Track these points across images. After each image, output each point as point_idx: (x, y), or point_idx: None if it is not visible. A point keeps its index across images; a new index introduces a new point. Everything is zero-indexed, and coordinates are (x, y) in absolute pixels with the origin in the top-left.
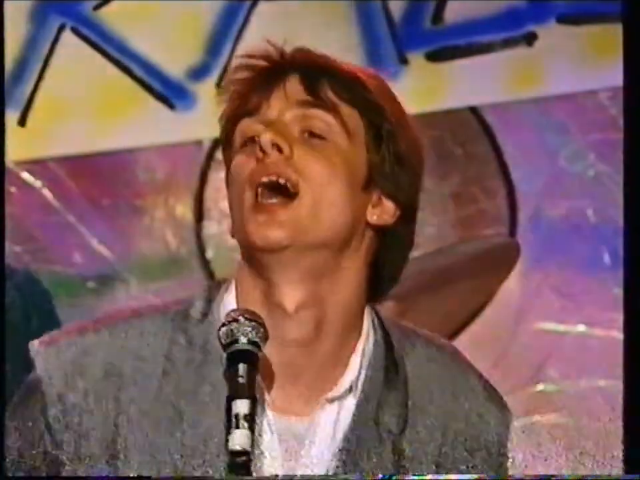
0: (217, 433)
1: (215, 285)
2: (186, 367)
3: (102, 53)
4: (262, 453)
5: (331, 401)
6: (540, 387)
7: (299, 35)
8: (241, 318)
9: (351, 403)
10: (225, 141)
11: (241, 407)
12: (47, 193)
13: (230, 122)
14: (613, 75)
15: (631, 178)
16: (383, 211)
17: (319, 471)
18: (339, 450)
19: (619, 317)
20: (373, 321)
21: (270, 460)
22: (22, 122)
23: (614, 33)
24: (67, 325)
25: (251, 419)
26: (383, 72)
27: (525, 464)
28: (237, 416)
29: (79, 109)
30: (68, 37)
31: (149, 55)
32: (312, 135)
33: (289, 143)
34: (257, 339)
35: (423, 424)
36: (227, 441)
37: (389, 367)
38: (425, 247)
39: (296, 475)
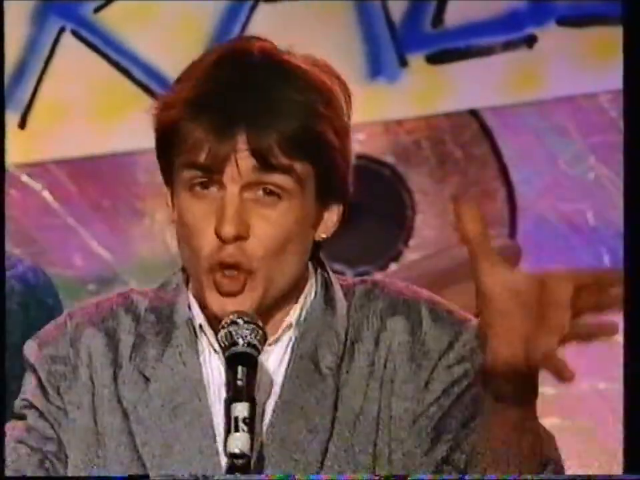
0: (183, 389)
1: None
2: (154, 338)
3: (102, 55)
4: (218, 399)
5: (269, 344)
6: (540, 389)
7: (299, 35)
8: (239, 321)
9: (291, 344)
10: (165, 143)
11: (240, 410)
12: (47, 195)
13: (177, 146)
14: (613, 77)
15: (631, 180)
16: (331, 222)
17: (267, 411)
18: (281, 387)
19: (619, 320)
20: (315, 271)
21: (218, 405)
22: (22, 124)
23: (614, 35)
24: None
25: (250, 422)
26: (383, 74)
27: None
28: (236, 419)
29: (79, 111)
30: (68, 39)
31: (149, 57)
32: (267, 193)
33: (247, 228)
34: (255, 342)
35: (364, 354)
36: (226, 443)
37: (327, 310)
38: (424, 250)
39: (296, 475)
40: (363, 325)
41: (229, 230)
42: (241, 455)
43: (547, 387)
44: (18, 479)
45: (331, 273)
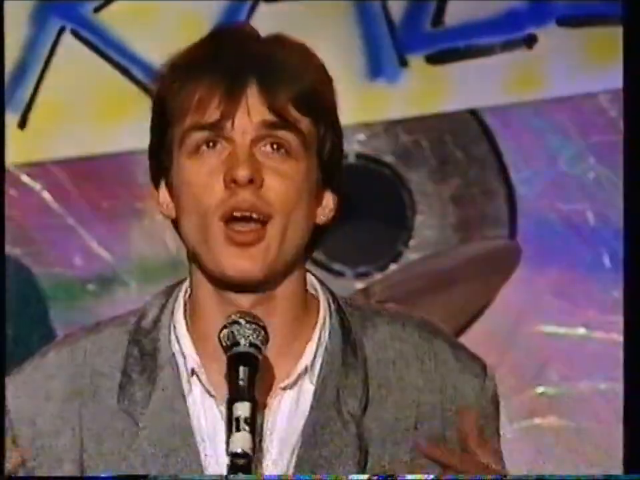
0: (171, 437)
1: (168, 290)
2: (139, 377)
3: (102, 55)
4: (210, 442)
5: (284, 389)
6: (540, 389)
7: (299, 35)
8: (242, 321)
9: (308, 389)
10: (163, 117)
11: (242, 409)
12: (46, 195)
13: (180, 115)
14: (613, 77)
15: (631, 180)
16: (329, 209)
17: (284, 461)
18: (301, 437)
19: (619, 320)
20: (329, 307)
21: (222, 451)
22: (22, 124)
23: (614, 35)
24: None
25: (251, 421)
26: (382, 74)
27: (526, 465)
28: (237, 419)
29: (78, 111)
30: (68, 39)
31: (149, 57)
32: (275, 149)
33: (261, 174)
34: (257, 342)
35: (392, 403)
36: (228, 443)
37: (347, 350)
38: (425, 250)
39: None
40: (389, 369)
41: (243, 173)
42: (243, 455)
43: (547, 387)
44: (18, 479)
45: (342, 302)
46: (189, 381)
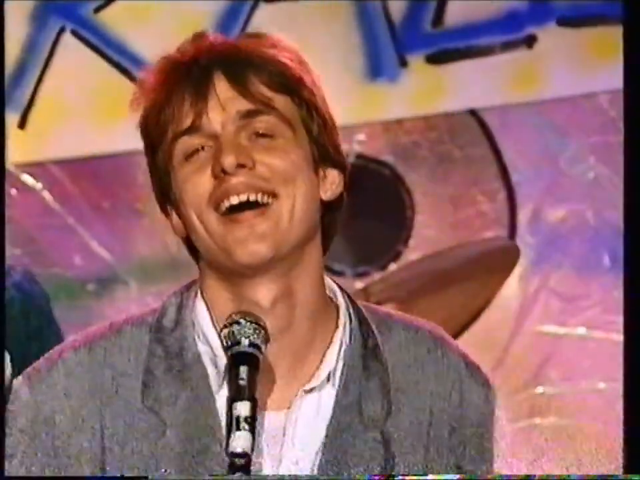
0: (202, 435)
1: (184, 290)
2: (165, 376)
3: (102, 55)
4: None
5: (309, 391)
6: (540, 389)
7: (299, 35)
8: (242, 320)
9: (330, 393)
10: (150, 148)
11: (242, 409)
12: (46, 195)
13: (161, 136)
14: (613, 77)
15: (631, 180)
16: (332, 184)
17: (305, 463)
18: (324, 441)
19: (619, 320)
20: (348, 310)
21: (254, 456)
22: (22, 124)
23: (614, 35)
24: (47, 352)
25: (252, 421)
26: (383, 74)
27: (526, 464)
28: (237, 418)
29: (79, 111)
30: (68, 39)
31: (149, 57)
32: (259, 135)
33: (250, 156)
34: (258, 342)
35: (409, 408)
36: (228, 442)
37: (367, 354)
38: (424, 250)
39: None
40: (405, 373)
41: (230, 159)
42: (243, 454)
43: (546, 387)
44: (18, 479)
45: (362, 306)
46: (220, 380)
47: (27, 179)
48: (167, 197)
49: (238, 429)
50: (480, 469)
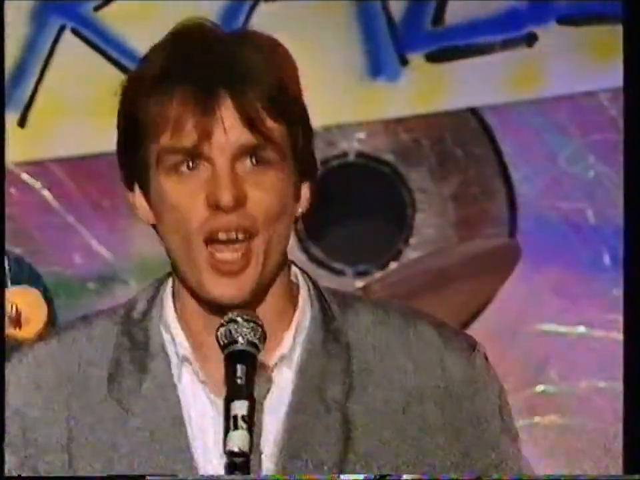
0: (166, 426)
1: (159, 282)
2: (129, 366)
3: (102, 53)
4: (202, 435)
5: (260, 376)
6: (540, 388)
7: (299, 35)
8: (239, 319)
9: (287, 377)
10: (134, 151)
11: (239, 408)
12: (46, 193)
13: (155, 145)
14: (613, 75)
15: (631, 179)
16: (306, 199)
17: (266, 448)
18: (284, 424)
19: (619, 318)
20: (309, 294)
21: (212, 442)
22: (22, 123)
23: (614, 33)
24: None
25: (249, 420)
26: (383, 73)
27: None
28: (235, 417)
29: (78, 109)
30: (68, 37)
31: None
32: (255, 163)
33: (244, 192)
34: (255, 340)
35: (375, 388)
36: (225, 441)
37: (328, 337)
38: (424, 248)
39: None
40: (371, 354)
41: (228, 197)
42: (240, 453)
43: (547, 385)
44: (18, 479)
45: (325, 290)
46: (179, 369)
47: (27, 177)
48: (135, 178)
49: (235, 427)
50: (485, 445)
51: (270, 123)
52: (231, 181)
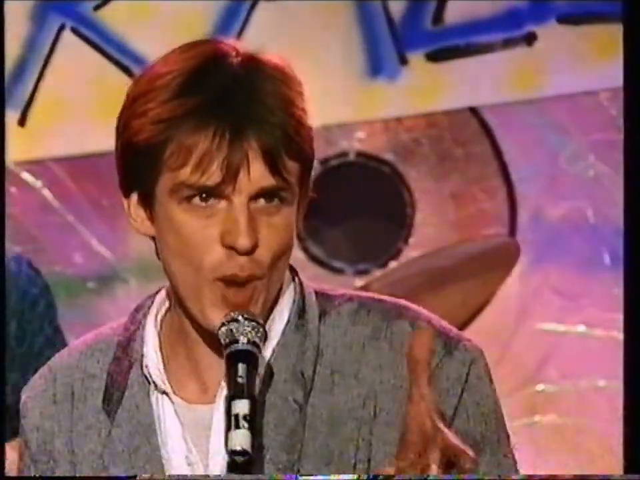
0: (136, 434)
1: (160, 290)
2: (118, 376)
3: (102, 53)
4: (171, 443)
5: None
6: (540, 387)
7: (299, 34)
8: (240, 318)
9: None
10: (143, 175)
11: (241, 407)
12: (47, 193)
13: (172, 175)
14: (613, 75)
15: (631, 178)
16: (302, 219)
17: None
18: None
19: (619, 317)
20: (291, 295)
21: (179, 450)
22: (22, 122)
23: (614, 33)
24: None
25: (251, 419)
26: (382, 72)
27: (525, 462)
28: (236, 416)
29: (79, 108)
30: (68, 36)
31: (149, 55)
32: (269, 201)
33: (257, 237)
34: (256, 339)
35: (343, 388)
36: (227, 440)
37: (301, 340)
38: (424, 247)
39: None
40: (346, 354)
41: (246, 242)
42: (242, 452)
43: (547, 385)
44: (18, 479)
45: (307, 288)
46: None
47: (27, 176)
48: (135, 188)
49: (237, 427)
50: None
51: (289, 163)
52: (248, 224)
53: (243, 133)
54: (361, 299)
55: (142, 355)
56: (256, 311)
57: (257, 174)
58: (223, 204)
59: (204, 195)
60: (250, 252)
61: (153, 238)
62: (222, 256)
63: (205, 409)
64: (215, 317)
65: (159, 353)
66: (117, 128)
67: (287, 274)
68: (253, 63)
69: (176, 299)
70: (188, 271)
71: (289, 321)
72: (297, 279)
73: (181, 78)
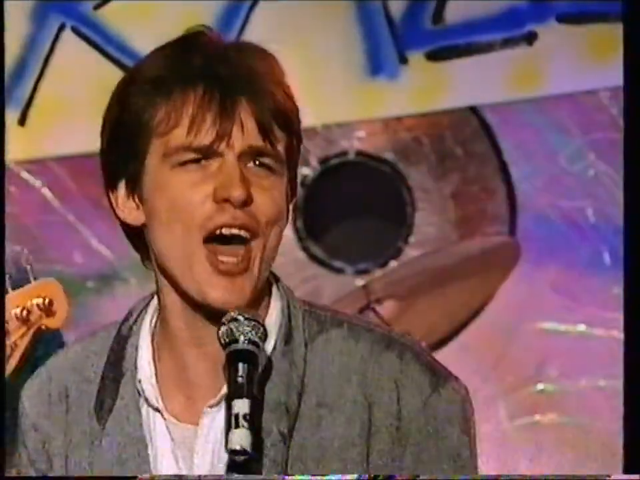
0: (127, 445)
1: (152, 294)
2: (111, 383)
3: (102, 52)
4: (160, 457)
5: (211, 407)
6: (540, 386)
7: (299, 34)
8: (240, 317)
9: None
10: (131, 144)
11: (241, 406)
12: (46, 192)
13: (163, 140)
14: (613, 74)
15: (631, 177)
16: (289, 216)
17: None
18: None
19: (619, 317)
20: (279, 318)
21: (168, 465)
22: (22, 121)
23: (614, 32)
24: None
25: (250, 418)
26: (383, 71)
27: (525, 461)
28: (236, 415)
29: (79, 108)
30: (68, 36)
31: None
32: (259, 165)
33: (250, 192)
34: (256, 339)
35: (328, 420)
36: (227, 440)
37: (287, 368)
38: (425, 246)
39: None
40: (331, 384)
41: (239, 191)
42: (242, 451)
43: (546, 384)
44: (18, 479)
45: (295, 308)
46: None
47: (27, 176)
48: (122, 174)
49: (237, 426)
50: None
51: (277, 131)
52: (242, 179)
53: (234, 92)
54: (350, 324)
55: (135, 367)
56: (252, 285)
57: (249, 131)
58: (215, 164)
59: (197, 157)
60: (244, 204)
61: (140, 230)
62: (213, 210)
63: (190, 429)
64: (208, 285)
65: (152, 365)
66: (104, 117)
67: (274, 289)
68: (239, 43)
69: (169, 281)
70: (178, 237)
71: (275, 348)
72: (281, 288)
73: (165, 55)
